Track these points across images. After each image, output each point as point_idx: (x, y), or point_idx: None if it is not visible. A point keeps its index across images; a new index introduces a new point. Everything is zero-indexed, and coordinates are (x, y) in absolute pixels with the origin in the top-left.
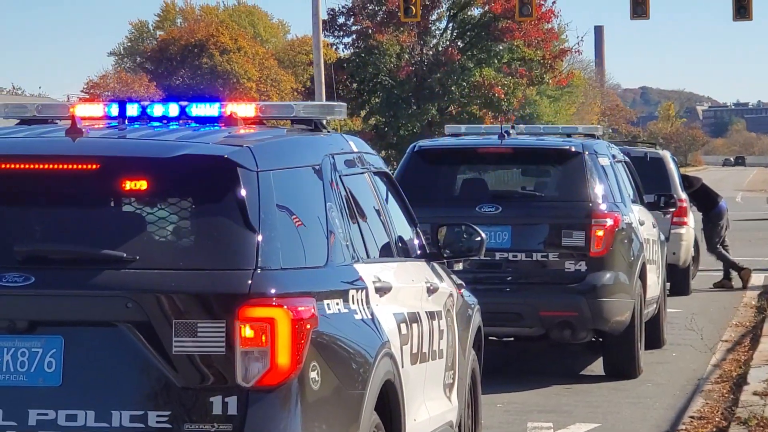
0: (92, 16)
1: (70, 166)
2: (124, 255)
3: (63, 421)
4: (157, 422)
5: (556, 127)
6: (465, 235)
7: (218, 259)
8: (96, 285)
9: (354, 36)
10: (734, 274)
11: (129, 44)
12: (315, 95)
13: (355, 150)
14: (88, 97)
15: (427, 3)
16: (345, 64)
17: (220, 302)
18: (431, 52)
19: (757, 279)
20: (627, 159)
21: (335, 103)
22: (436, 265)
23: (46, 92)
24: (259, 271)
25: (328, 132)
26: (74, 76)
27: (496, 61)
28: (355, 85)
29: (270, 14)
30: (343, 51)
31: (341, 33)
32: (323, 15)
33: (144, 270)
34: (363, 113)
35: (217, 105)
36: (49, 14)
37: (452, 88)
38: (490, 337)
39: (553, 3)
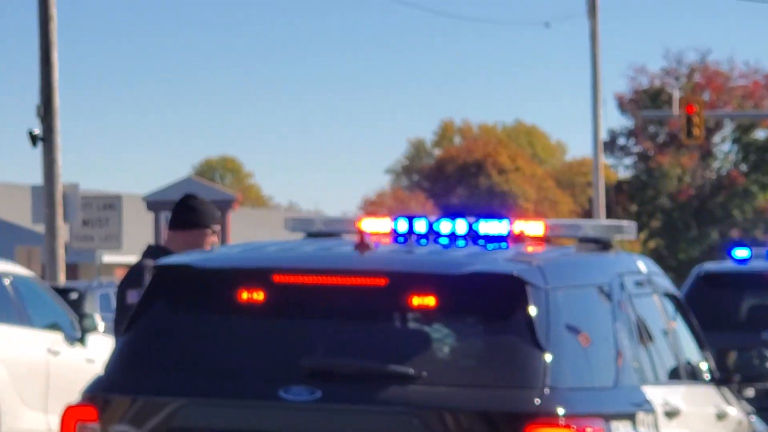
0: (369, 134)
1: (358, 281)
2: (411, 371)
3: None
4: None
5: None
6: (756, 360)
7: (506, 376)
8: (382, 400)
9: (634, 157)
10: None
11: (406, 162)
12: (593, 217)
13: (644, 270)
14: (364, 214)
15: (710, 126)
16: (624, 186)
17: (507, 421)
18: (713, 175)
19: None
20: None
21: (624, 223)
22: (724, 390)
23: (322, 208)
24: (547, 390)
25: (617, 251)
26: (350, 193)
27: None
28: (634, 207)
29: (549, 134)
30: (623, 172)
31: (621, 154)
32: (603, 136)
33: (430, 386)
34: (642, 236)
35: (505, 222)
36: (327, 133)
37: (734, 212)
38: None
39: None
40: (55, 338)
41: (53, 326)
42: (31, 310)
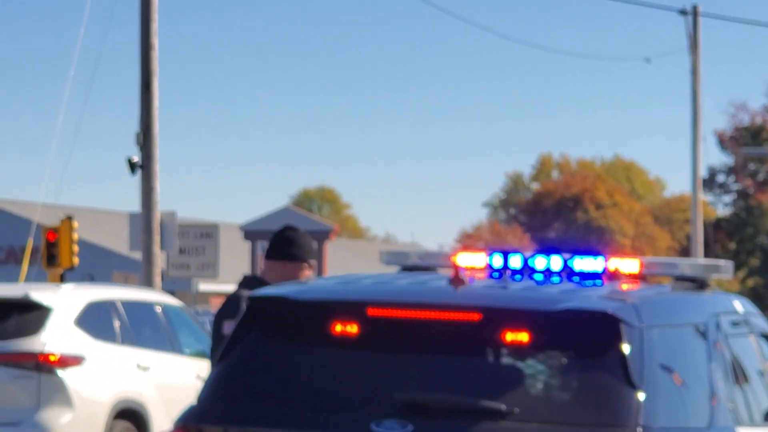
0: (468, 166)
1: (453, 315)
2: (503, 407)
3: None
4: None
5: None
6: None
7: (599, 414)
8: None
9: (733, 195)
10: None
11: (504, 196)
12: (691, 254)
13: (741, 310)
14: (461, 247)
15: None
16: (723, 224)
17: None
18: None
19: None
20: None
21: (721, 262)
22: None
23: (418, 240)
24: (640, 429)
25: (713, 291)
26: (447, 226)
27: None
28: (733, 244)
29: (647, 170)
30: (722, 210)
31: (720, 191)
32: (703, 173)
33: (523, 423)
34: (740, 274)
35: (600, 259)
36: (425, 165)
37: None
38: None
39: None
40: (203, 365)
41: (201, 354)
42: (181, 338)
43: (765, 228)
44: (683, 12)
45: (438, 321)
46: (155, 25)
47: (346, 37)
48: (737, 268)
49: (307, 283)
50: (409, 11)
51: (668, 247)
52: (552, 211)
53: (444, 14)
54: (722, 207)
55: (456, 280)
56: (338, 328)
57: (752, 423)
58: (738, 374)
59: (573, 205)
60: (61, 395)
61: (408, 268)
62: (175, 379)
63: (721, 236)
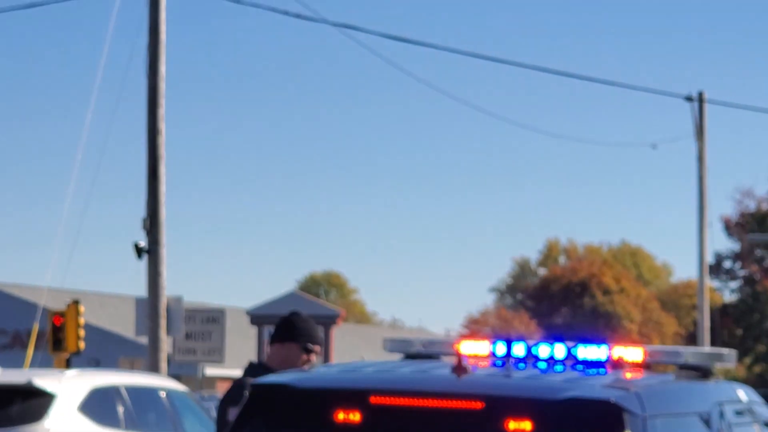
0: (475, 252)
1: (456, 404)
2: None
3: None
4: None
5: None
6: None
7: None
8: None
9: (740, 281)
10: None
11: (511, 281)
12: (698, 340)
13: (745, 399)
14: (468, 332)
15: None
16: (730, 309)
17: None
18: None
19: None
20: None
21: (724, 351)
22: None
23: (425, 325)
24: None
25: (717, 380)
26: (454, 310)
27: None
28: (739, 330)
29: (654, 255)
30: (729, 296)
31: (727, 277)
32: (709, 259)
33: None
34: (747, 360)
35: (604, 348)
36: (432, 250)
37: None
38: None
39: None
40: None
41: None
42: (186, 424)
43: None
44: (689, 98)
45: (441, 409)
46: (162, 111)
47: (356, 125)
48: (744, 354)
49: (310, 370)
50: (415, 97)
51: (675, 332)
52: (559, 296)
53: (452, 100)
54: (729, 293)
55: (458, 368)
56: (341, 416)
57: None
58: None
59: (580, 291)
60: None
61: (411, 356)
62: None
63: (728, 322)
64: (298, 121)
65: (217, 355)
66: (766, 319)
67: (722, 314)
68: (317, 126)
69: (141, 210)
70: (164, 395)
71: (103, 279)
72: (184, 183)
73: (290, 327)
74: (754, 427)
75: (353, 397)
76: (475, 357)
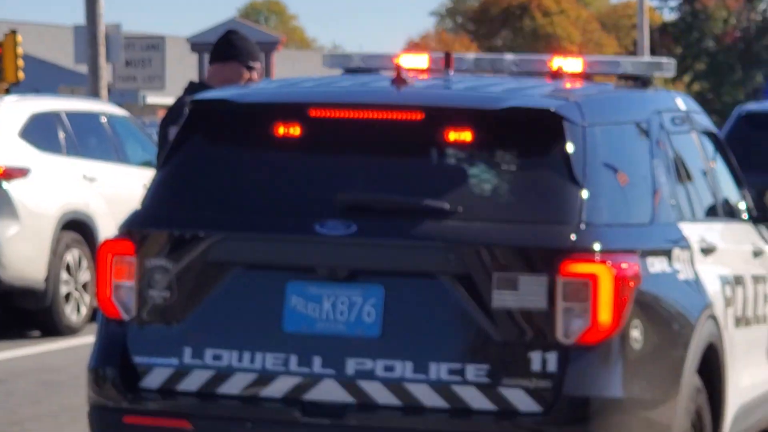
0: None
1: (395, 115)
2: (447, 206)
3: (381, 371)
4: (476, 376)
5: None
6: None
7: (541, 212)
8: (418, 235)
9: (680, 0)
10: None
11: (450, 4)
12: None
13: (683, 108)
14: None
15: None
16: (669, 29)
17: (542, 256)
18: (759, 17)
19: None
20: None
21: (663, 60)
22: (762, 228)
23: (365, 50)
24: (583, 226)
25: (656, 89)
26: (394, 35)
27: None
28: (679, 49)
29: None
30: (668, 14)
31: None
32: None
33: (466, 222)
34: (686, 79)
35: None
36: None
37: None
38: None
39: None
40: (150, 175)
41: (147, 163)
42: (127, 148)
43: (711, 32)
44: None
45: (381, 121)
46: None
47: None
48: (683, 72)
49: (250, 86)
50: None
51: (615, 53)
52: (499, 18)
53: None
54: (668, 12)
55: (398, 80)
56: (281, 130)
57: (694, 219)
58: (680, 171)
59: (520, 13)
60: (6, 208)
61: (351, 71)
62: (122, 189)
63: (668, 41)
64: None
65: (157, 82)
66: (705, 38)
67: (662, 33)
68: None
69: None
70: (105, 120)
71: (40, 9)
72: None
73: (230, 45)
74: (691, 135)
75: (293, 110)
76: (415, 71)
